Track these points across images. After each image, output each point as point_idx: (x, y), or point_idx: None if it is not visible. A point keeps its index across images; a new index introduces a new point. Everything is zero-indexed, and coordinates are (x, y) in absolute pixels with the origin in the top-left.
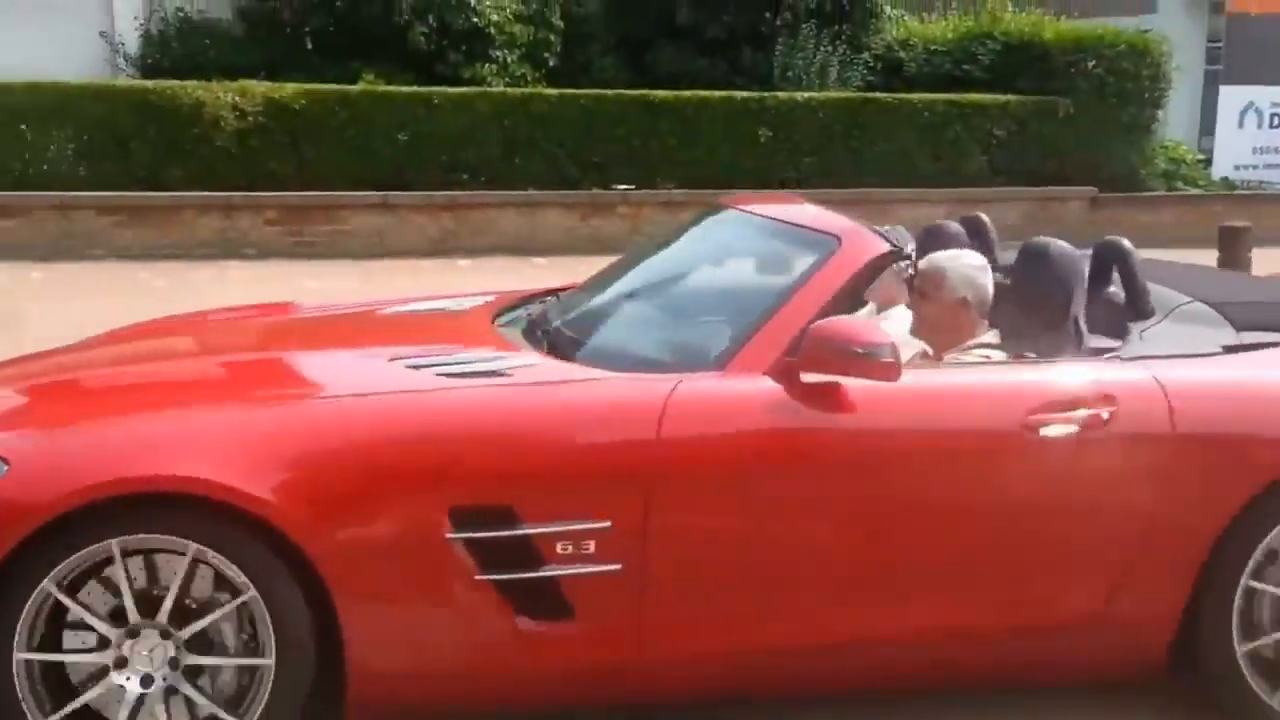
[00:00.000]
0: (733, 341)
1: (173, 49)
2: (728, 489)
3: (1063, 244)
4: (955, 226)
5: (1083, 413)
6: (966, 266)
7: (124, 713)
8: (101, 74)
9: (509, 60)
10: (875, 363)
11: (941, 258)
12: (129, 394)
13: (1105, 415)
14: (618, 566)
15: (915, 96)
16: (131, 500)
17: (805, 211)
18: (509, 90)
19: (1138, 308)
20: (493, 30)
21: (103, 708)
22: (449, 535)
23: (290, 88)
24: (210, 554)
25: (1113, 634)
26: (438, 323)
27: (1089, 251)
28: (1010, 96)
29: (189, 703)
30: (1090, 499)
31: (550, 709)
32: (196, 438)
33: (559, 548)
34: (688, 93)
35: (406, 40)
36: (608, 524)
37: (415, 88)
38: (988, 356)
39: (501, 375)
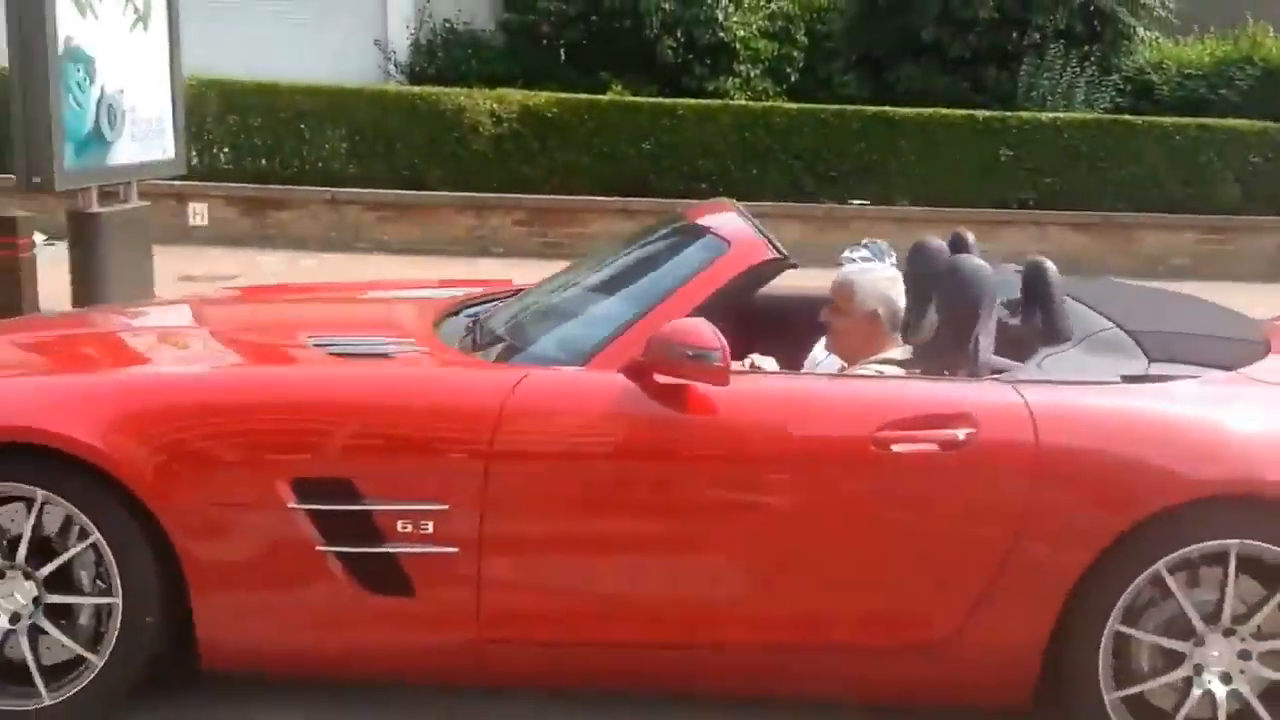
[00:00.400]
0: (605, 339)
1: (438, 57)
2: (564, 481)
3: (978, 262)
4: (939, 243)
5: (936, 432)
6: (877, 280)
7: None
8: (373, 79)
9: (752, 75)
10: (704, 366)
11: (853, 271)
12: (31, 354)
13: (961, 436)
14: (454, 549)
15: (1167, 120)
16: None
17: (719, 218)
18: (749, 103)
19: (1052, 331)
20: (738, 45)
21: None
22: (291, 505)
23: (544, 96)
24: (56, 499)
25: (970, 661)
26: (394, 307)
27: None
28: (1269, 123)
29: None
30: (943, 521)
31: (394, 680)
32: (50, 394)
33: (399, 526)
34: (929, 110)
35: (655, 54)
36: (446, 506)
37: (660, 99)
38: (880, 371)
39: (384, 358)
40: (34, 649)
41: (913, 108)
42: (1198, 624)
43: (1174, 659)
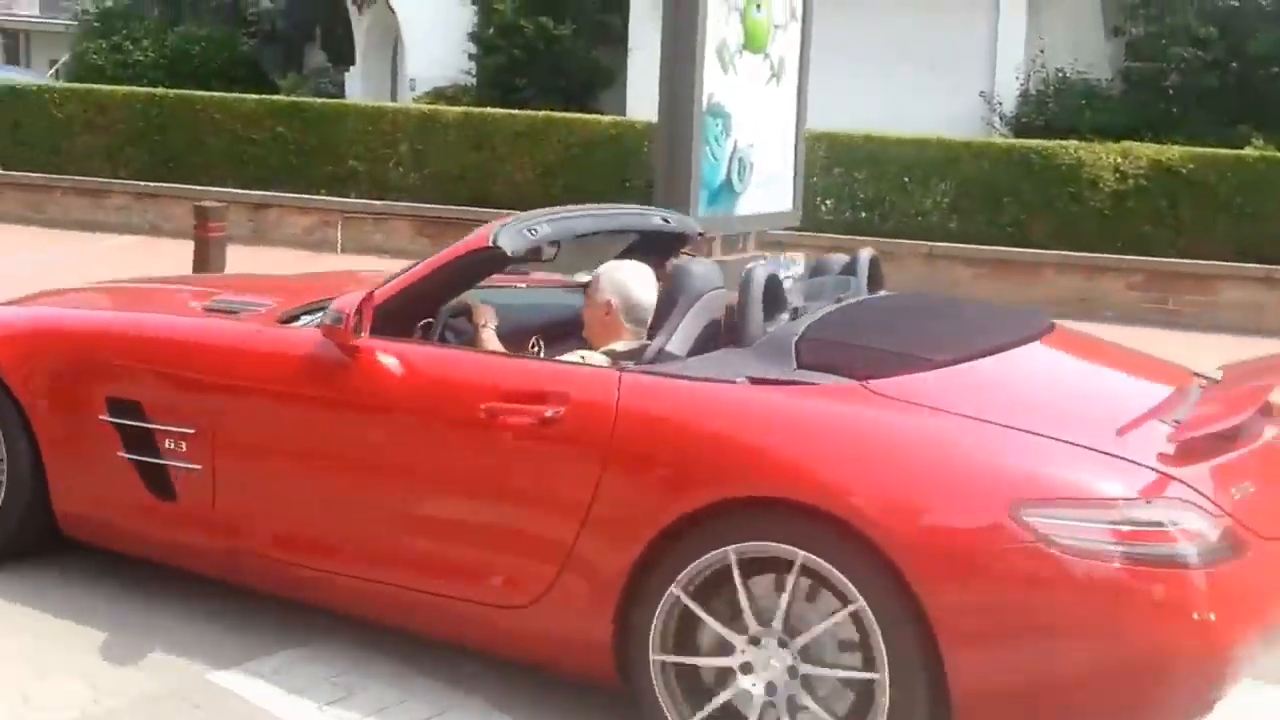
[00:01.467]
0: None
1: (1047, 108)
2: (268, 421)
3: (696, 266)
4: (839, 256)
5: (532, 407)
6: (618, 274)
7: None
8: (975, 132)
9: None
10: (331, 327)
11: (603, 266)
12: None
13: (548, 414)
14: (198, 467)
15: None
16: None
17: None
18: None
19: (737, 335)
20: None
21: None
22: (102, 417)
23: (1177, 150)
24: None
25: (553, 622)
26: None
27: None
28: None
29: None
30: (532, 488)
31: (184, 571)
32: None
33: (166, 443)
34: None
35: None
36: (193, 430)
37: None
38: (583, 358)
39: (228, 314)
40: None
41: None
42: (750, 621)
43: (727, 647)
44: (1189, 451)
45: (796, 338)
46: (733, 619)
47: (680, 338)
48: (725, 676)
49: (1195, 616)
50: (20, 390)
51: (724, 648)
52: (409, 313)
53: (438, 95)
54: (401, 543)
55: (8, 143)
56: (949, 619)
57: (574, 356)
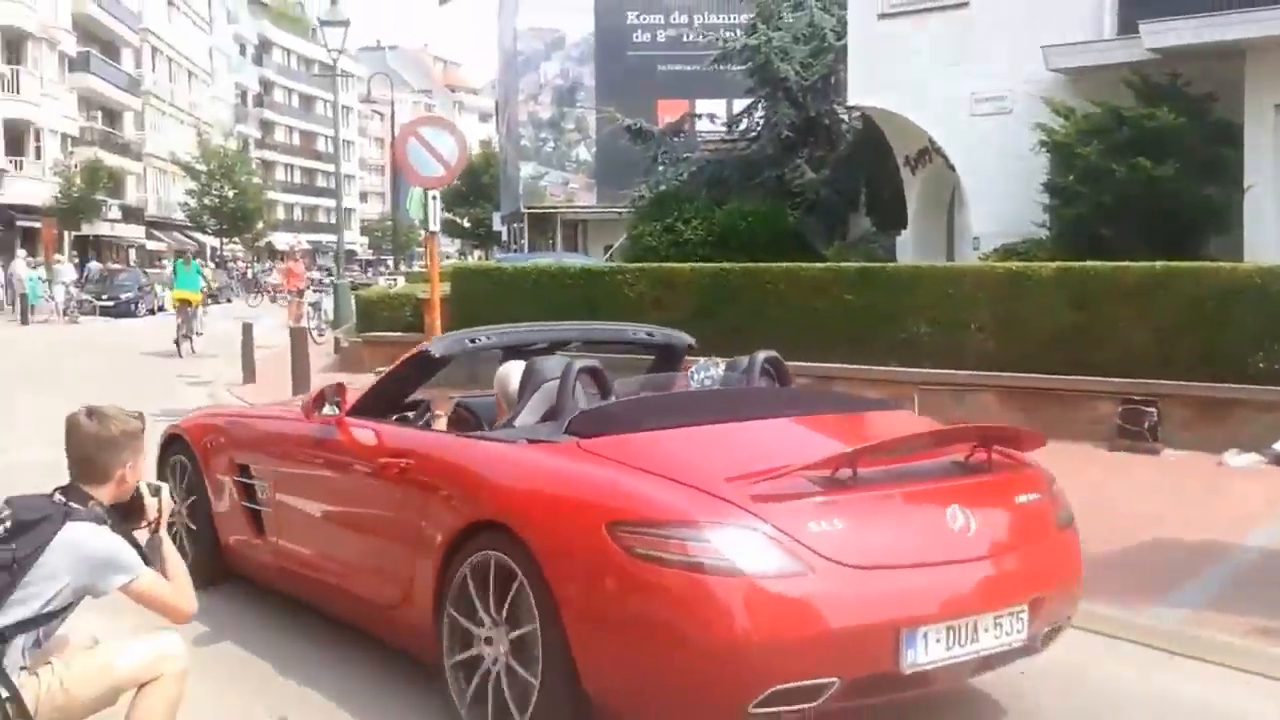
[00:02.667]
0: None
1: None
2: (287, 474)
3: (540, 362)
4: (721, 362)
5: (399, 460)
6: (501, 371)
7: None
8: None
9: None
10: (317, 411)
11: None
12: None
13: (403, 464)
14: (270, 509)
15: None
16: None
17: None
18: None
19: (557, 411)
20: None
21: None
22: (235, 477)
23: None
24: None
25: (407, 621)
26: None
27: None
28: None
29: None
30: (396, 518)
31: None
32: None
33: (259, 492)
34: None
35: None
36: (267, 484)
37: None
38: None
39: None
40: None
41: None
42: (485, 612)
43: (470, 640)
44: (780, 494)
45: (574, 413)
46: (478, 610)
47: (527, 412)
48: (479, 654)
49: (743, 616)
50: (200, 454)
51: (476, 632)
52: (385, 404)
53: (1008, 252)
54: (350, 561)
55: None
56: (569, 603)
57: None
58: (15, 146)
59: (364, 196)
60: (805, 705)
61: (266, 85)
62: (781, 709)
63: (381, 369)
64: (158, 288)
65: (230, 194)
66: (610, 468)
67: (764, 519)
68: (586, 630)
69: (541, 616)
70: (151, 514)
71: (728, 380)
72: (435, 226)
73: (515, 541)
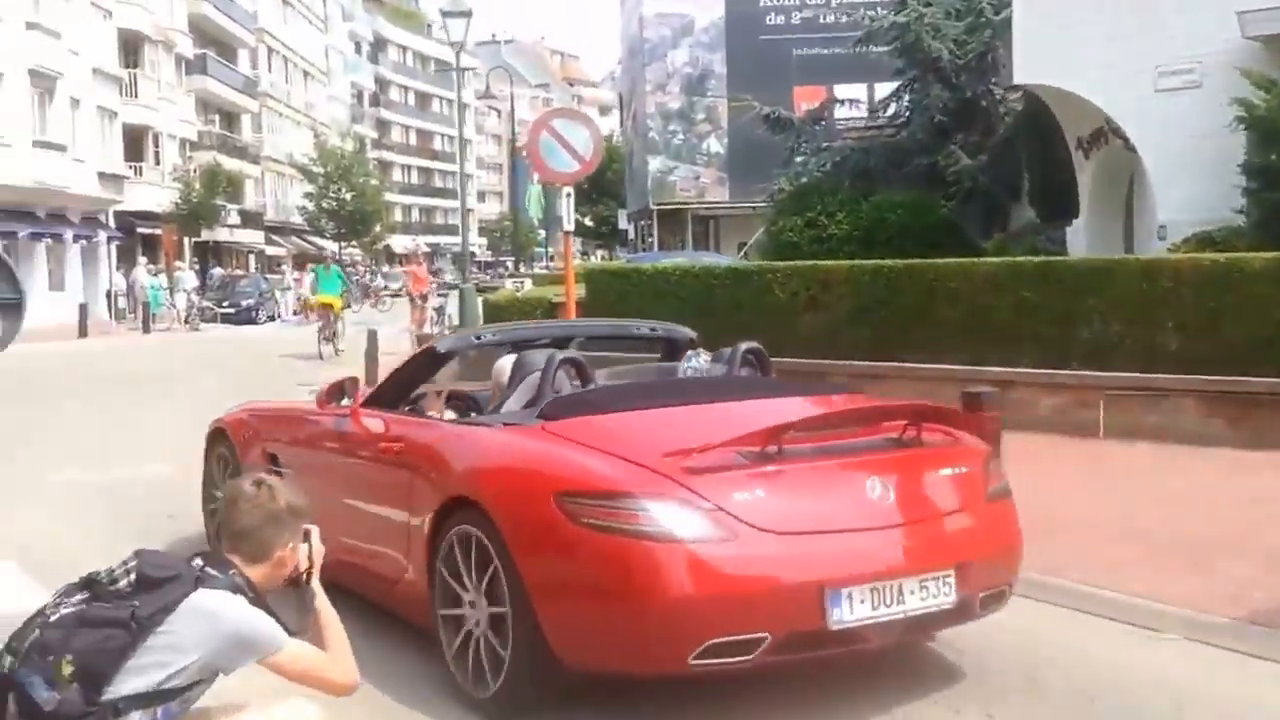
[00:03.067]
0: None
1: None
2: (309, 459)
3: (526, 355)
4: (706, 354)
5: (393, 444)
6: (496, 364)
7: None
8: None
9: None
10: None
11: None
12: None
13: (397, 447)
14: None
15: None
16: None
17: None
18: None
19: (537, 399)
20: None
21: None
22: (265, 464)
23: None
24: None
25: (407, 589)
26: None
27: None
28: None
29: None
30: (396, 498)
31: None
32: None
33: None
34: None
35: None
36: (290, 470)
37: None
38: (441, 414)
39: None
40: None
41: None
42: (466, 578)
43: (458, 600)
44: (709, 467)
45: (547, 400)
46: (462, 574)
47: (513, 400)
48: (464, 614)
49: (672, 577)
50: (238, 446)
51: (461, 599)
52: (395, 396)
53: (1201, 242)
54: (363, 540)
55: (730, 326)
56: (528, 568)
57: (436, 413)
58: (134, 152)
59: (481, 196)
60: (742, 658)
61: (382, 84)
62: (720, 660)
63: None
64: (277, 294)
65: (348, 196)
66: (566, 446)
67: (693, 490)
68: (546, 592)
69: (509, 585)
70: (302, 563)
71: (712, 369)
72: (569, 225)
73: (483, 514)
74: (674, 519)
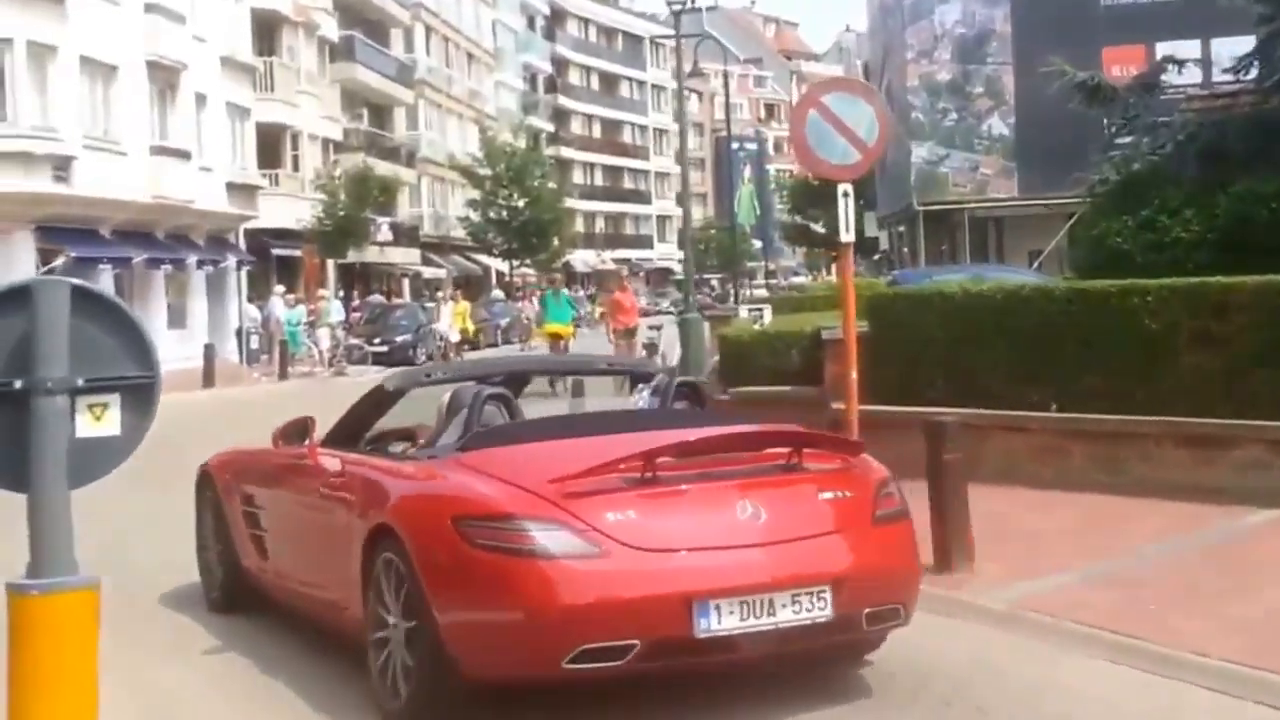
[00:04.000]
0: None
1: None
2: (271, 497)
3: (460, 390)
4: (647, 389)
5: (336, 479)
6: (442, 399)
7: None
8: None
9: None
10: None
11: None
12: None
13: (337, 481)
14: (267, 532)
15: None
16: None
17: None
18: None
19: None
20: None
21: None
22: (244, 506)
23: None
24: None
25: (358, 619)
26: None
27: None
28: None
29: None
30: (335, 529)
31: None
32: None
33: (261, 520)
34: None
35: None
36: (266, 508)
37: None
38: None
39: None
40: None
41: None
42: (389, 600)
43: (384, 623)
44: (587, 491)
45: (467, 434)
46: (385, 599)
47: (447, 434)
48: (387, 636)
49: (547, 589)
50: (221, 489)
51: (387, 618)
52: (349, 436)
53: None
54: (317, 571)
55: (1078, 370)
56: (432, 585)
57: (399, 446)
58: (269, 157)
59: (681, 199)
60: (614, 662)
61: (560, 65)
62: (594, 665)
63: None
64: (435, 327)
65: (521, 204)
66: (470, 475)
67: (570, 512)
68: (445, 606)
69: (417, 601)
70: None
71: (652, 403)
72: (849, 235)
73: (398, 538)
74: (550, 538)
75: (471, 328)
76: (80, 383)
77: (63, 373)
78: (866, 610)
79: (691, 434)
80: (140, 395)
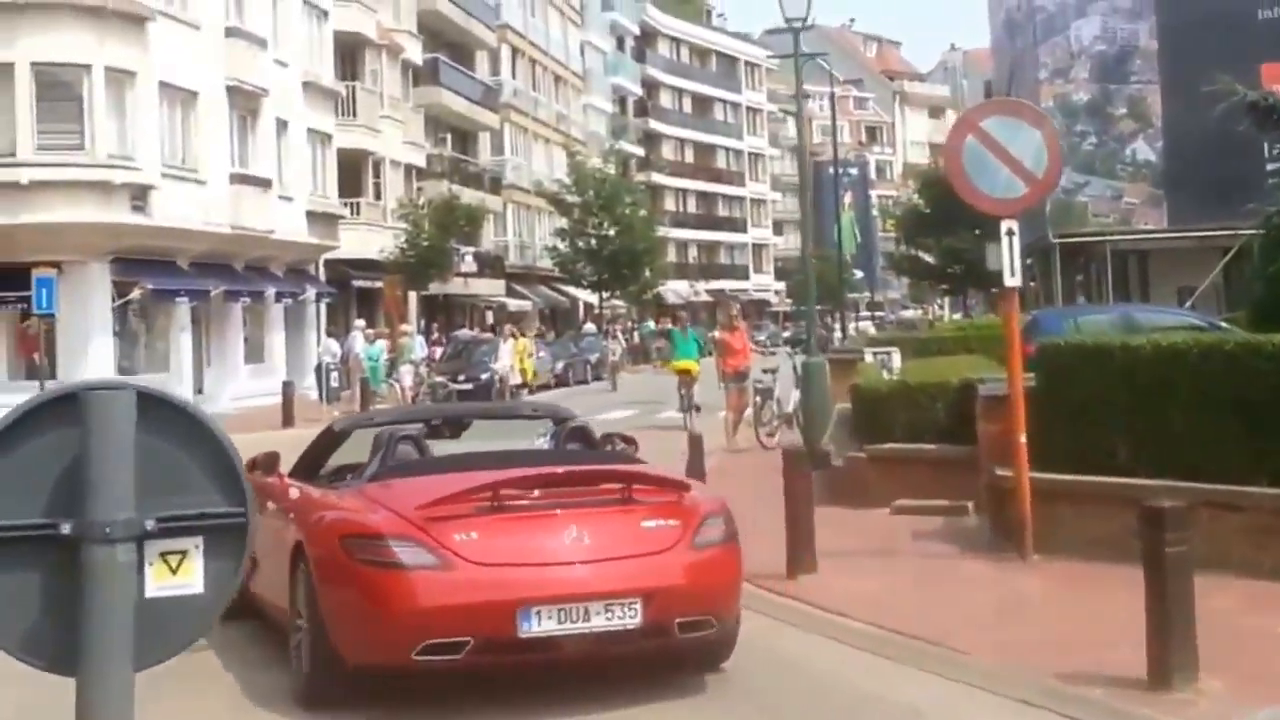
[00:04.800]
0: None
1: None
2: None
3: (390, 431)
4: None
5: (285, 506)
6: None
7: None
8: None
9: None
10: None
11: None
12: None
13: (274, 508)
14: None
15: None
16: None
17: None
18: None
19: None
20: None
21: None
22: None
23: None
24: None
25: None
26: None
27: None
28: None
29: None
30: (280, 545)
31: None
32: None
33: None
34: None
35: None
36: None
37: None
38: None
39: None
40: None
41: None
42: (300, 603)
43: (298, 621)
44: (441, 515)
45: (380, 469)
46: (299, 602)
47: (370, 468)
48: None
49: (401, 595)
50: None
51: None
52: (307, 469)
53: None
54: (278, 586)
55: (1276, 441)
56: (322, 591)
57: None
58: (351, 185)
59: (778, 227)
60: (452, 656)
61: (651, 87)
62: (437, 657)
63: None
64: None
65: (611, 232)
66: (363, 502)
67: (426, 532)
68: (331, 607)
69: (314, 604)
70: None
71: (549, 443)
72: (1014, 279)
73: (305, 553)
74: (408, 553)
75: (531, 369)
76: (151, 525)
77: (128, 512)
78: (678, 619)
79: (540, 470)
80: (229, 537)
